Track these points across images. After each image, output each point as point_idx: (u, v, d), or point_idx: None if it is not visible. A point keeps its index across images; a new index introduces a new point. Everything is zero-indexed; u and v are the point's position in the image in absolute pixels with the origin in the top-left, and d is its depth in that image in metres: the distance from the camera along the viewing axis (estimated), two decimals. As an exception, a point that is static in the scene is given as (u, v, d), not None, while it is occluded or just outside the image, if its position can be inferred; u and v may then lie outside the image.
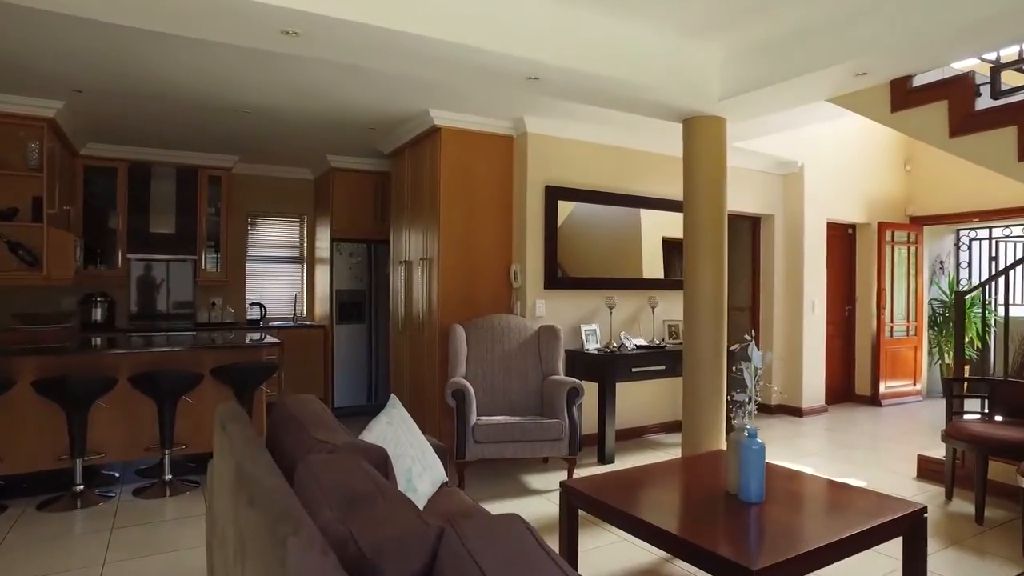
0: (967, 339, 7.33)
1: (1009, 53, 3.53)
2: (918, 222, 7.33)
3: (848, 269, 7.22)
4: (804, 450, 5.23)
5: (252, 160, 6.62)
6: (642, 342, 5.36)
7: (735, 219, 6.02)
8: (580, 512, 2.70)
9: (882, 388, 6.97)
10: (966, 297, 4.83)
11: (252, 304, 6.80)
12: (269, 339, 4.64)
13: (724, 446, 4.21)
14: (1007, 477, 3.82)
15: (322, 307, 6.74)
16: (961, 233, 7.99)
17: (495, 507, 3.82)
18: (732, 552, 2.08)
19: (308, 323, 6.91)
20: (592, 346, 5.19)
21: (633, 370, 5.01)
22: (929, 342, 7.54)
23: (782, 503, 2.58)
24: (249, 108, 4.77)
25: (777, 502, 2.57)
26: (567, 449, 4.23)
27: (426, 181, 5.14)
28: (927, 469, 4.36)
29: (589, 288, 5.36)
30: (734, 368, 3.14)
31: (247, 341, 4.64)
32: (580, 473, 4.39)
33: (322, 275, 6.75)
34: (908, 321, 7.26)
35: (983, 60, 3.47)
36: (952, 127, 3.12)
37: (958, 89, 3.11)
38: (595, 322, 5.37)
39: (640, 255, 5.64)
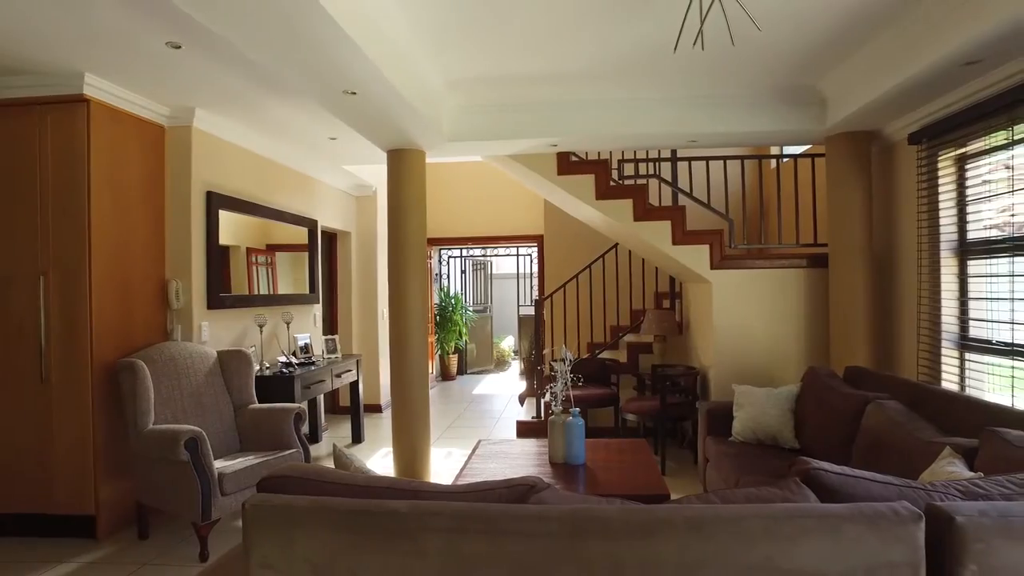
0: (457, 331, 9.72)
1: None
2: (433, 242, 9.25)
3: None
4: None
5: None
6: (294, 360, 5.25)
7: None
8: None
9: (419, 378, 8.55)
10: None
11: None
12: None
13: (430, 451, 4.81)
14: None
15: None
16: (442, 252, 10.41)
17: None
18: (641, 489, 2.98)
19: None
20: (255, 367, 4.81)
21: (310, 387, 4.94)
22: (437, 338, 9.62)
23: (591, 460, 3.55)
24: None
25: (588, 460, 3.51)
26: (302, 478, 4.00)
27: (49, 164, 3.69)
28: (525, 429, 6.01)
29: (243, 307, 4.92)
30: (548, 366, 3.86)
31: None
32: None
33: None
34: (429, 322, 9.09)
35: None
36: (597, 193, 4.71)
37: (602, 168, 4.72)
38: (250, 343, 4.97)
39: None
